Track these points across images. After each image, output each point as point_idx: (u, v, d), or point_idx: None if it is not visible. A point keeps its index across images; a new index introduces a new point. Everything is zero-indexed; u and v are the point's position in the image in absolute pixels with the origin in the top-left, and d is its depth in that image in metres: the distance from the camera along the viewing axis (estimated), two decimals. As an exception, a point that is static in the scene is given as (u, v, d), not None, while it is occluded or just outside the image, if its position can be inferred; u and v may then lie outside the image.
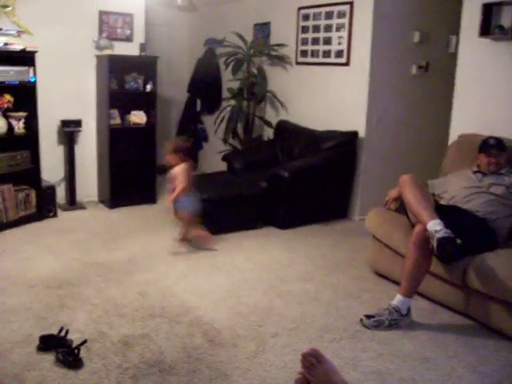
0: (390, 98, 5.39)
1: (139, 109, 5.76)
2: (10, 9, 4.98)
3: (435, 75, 5.63)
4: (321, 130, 5.52)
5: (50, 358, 2.80)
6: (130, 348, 2.93)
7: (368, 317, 3.31)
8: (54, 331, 2.99)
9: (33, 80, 4.93)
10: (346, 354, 2.96)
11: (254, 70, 6.32)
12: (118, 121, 5.65)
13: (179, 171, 4.47)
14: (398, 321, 3.28)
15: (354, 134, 5.27)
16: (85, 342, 2.87)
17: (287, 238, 4.92)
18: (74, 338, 2.96)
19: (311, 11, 5.69)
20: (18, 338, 2.98)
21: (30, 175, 5.12)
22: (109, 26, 5.74)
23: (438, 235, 3.08)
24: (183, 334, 3.12)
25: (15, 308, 3.35)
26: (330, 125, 5.50)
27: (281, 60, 6.11)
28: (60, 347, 2.83)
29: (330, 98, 5.62)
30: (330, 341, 3.09)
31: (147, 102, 5.78)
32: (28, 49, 4.86)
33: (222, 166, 6.06)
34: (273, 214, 5.16)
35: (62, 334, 2.94)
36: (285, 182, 5.00)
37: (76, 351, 2.80)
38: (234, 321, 3.30)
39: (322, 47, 5.62)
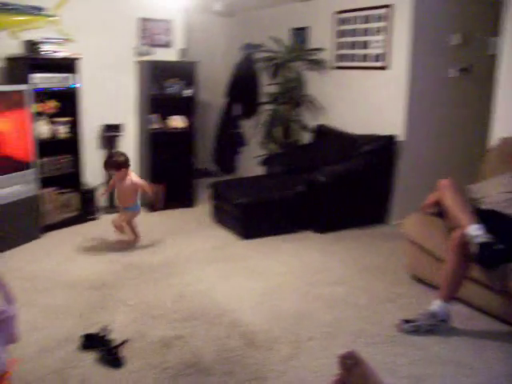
0: (428, 101, 5.34)
1: (179, 113, 5.85)
2: (55, 18, 5.13)
3: (475, 78, 5.55)
4: (358, 134, 5.50)
5: (91, 356, 2.88)
6: (168, 349, 2.99)
7: (406, 321, 3.29)
8: (95, 331, 3.07)
9: (76, 86, 5.06)
10: (382, 359, 2.95)
11: (292, 75, 6.34)
12: (158, 125, 5.74)
13: (137, 179, 4.70)
14: (436, 326, 3.25)
15: (392, 137, 5.24)
16: (125, 341, 2.95)
17: (324, 242, 4.92)
18: (115, 337, 3.03)
19: (348, 15, 5.68)
20: (61, 337, 3.07)
21: (72, 179, 5.25)
22: (149, 32, 5.85)
23: (478, 240, 3.05)
24: (220, 336, 3.16)
25: (58, 308, 3.46)
26: (368, 129, 5.48)
27: (318, 64, 6.11)
28: (101, 346, 2.91)
29: (368, 101, 5.60)
30: (366, 345, 3.09)
31: (187, 106, 5.86)
32: (72, 56, 5.00)
33: (260, 170, 6.10)
34: (310, 218, 5.17)
35: (104, 333, 3.02)
36: (322, 186, 5.01)
37: (117, 350, 2.88)
38: (270, 324, 3.32)
39: (359, 51, 5.61)
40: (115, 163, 4.56)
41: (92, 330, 3.09)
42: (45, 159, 4.96)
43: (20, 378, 2.60)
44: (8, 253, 4.41)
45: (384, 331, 3.26)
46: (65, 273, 4.05)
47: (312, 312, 3.50)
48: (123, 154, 4.62)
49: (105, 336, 3.01)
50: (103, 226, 5.22)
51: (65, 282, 3.86)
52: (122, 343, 2.93)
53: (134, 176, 4.67)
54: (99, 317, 3.34)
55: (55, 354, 2.90)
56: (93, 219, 5.41)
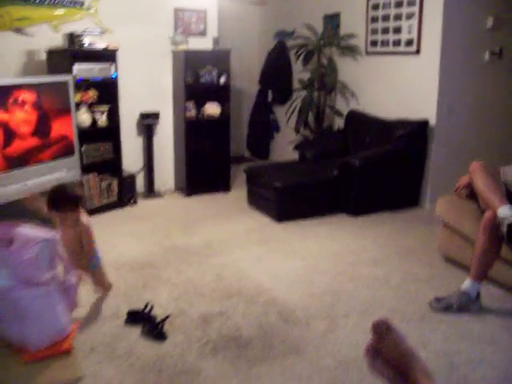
0: (461, 85, 5.36)
1: (213, 101, 5.97)
2: (93, 10, 5.30)
3: (506, 61, 5.54)
4: (391, 119, 5.55)
5: (136, 331, 3.05)
6: (208, 324, 3.14)
7: (437, 300, 3.38)
8: (140, 307, 3.24)
9: (114, 76, 5.23)
10: (415, 335, 3.05)
11: (325, 61, 6.40)
12: (193, 113, 5.88)
13: (87, 224, 3.38)
14: (467, 305, 3.32)
15: (425, 122, 5.28)
16: (168, 317, 3.10)
17: (358, 224, 5.00)
18: (158, 313, 3.19)
19: (381, 1, 5.71)
20: (108, 313, 3.24)
21: (112, 165, 5.44)
22: (183, 22, 5.98)
23: (509, 221, 3.11)
24: (258, 312, 3.30)
25: (103, 286, 3.63)
26: (401, 114, 5.52)
27: (351, 50, 6.16)
28: (145, 321, 3.08)
29: (401, 86, 5.64)
30: (400, 321, 3.18)
31: (221, 94, 5.98)
32: (110, 47, 5.16)
33: (293, 156, 6.21)
34: (344, 201, 5.26)
35: (147, 309, 3.18)
36: (356, 170, 5.09)
37: (160, 325, 3.04)
38: (307, 302, 3.45)
39: (391, 36, 5.64)
40: (75, 198, 3.22)
41: (136, 307, 3.26)
42: (86, 146, 5.15)
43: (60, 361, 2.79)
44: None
45: (417, 309, 3.36)
46: (108, 254, 4.22)
47: (347, 291, 3.61)
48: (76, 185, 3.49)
49: (149, 312, 3.17)
50: (142, 211, 5.41)
51: (109, 263, 4.02)
52: (165, 318, 3.09)
53: (83, 216, 3.39)
54: (142, 295, 3.51)
55: (103, 328, 3.08)
56: (132, 204, 5.59)
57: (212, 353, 2.86)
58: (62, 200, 3.05)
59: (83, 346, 2.87)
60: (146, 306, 3.22)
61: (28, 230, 1.64)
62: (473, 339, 3.02)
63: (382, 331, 1.82)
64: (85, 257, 3.09)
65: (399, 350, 1.79)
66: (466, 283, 3.36)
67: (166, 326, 3.07)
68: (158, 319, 3.10)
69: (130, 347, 2.89)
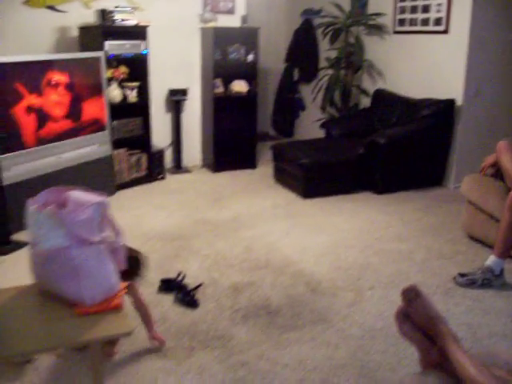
0: (489, 65, 5.35)
1: (241, 78, 6.04)
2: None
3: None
4: (418, 99, 5.57)
5: (169, 298, 3.17)
6: (239, 293, 3.26)
7: (461, 275, 3.45)
8: (172, 276, 3.36)
9: (145, 52, 5.31)
10: (440, 308, 3.09)
11: (352, 40, 6.42)
12: (221, 90, 5.96)
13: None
14: (490, 280, 3.39)
15: (451, 102, 5.29)
16: (200, 285, 3.22)
17: (383, 202, 5.07)
18: (189, 282, 3.31)
19: (410, -21, 5.71)
20: (142, 281, 3.36)
21: (141, 141, 5.55)
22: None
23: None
24: (287, 283, 3.40)
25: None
26: (428, 93, 5.54)
27: (378, 29, 6.17)
28: (178, 289, 3.20)
29: (428, 66, 5.65)
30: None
31: (249, 71, 6.04)
32: (141, 24, 5.24)
33: (319, 134, 6.26)
34: (369, 179, 5.32)
35: (180, 278, 3.30)
36: (381, 148, 5.13)
37: (192, 293, 3.16)
38: (334, 274, 3.54)
39: (420, 15, 5.64)
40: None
41: (169, 276, 3.38)
42: (117, 122, 5.27)
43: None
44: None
45: (441, 283, 3.43)
46: (140, 226, 4.37)
47: (373, 265, 3.70)
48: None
49: (181, 281, 3.29)
50: (171, 185, 5.53)
51: (141, 235, 4.17)
52: (197, 287, 3.21)
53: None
54: (174, 264, 3.63)
55: (138, 295, 3.21)
56: (160, 179, 5.71)
57: (243, 320, 2.97)
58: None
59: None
60: (178, 275, 3.34)
61: (80, 194, 1.75)
62: (496, 313, 3.09)
63: (411, 297, 1.92)
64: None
65: (427, 314, 1.89)
66: (490, 259, 3.42)
67: (198, 295, 3.20)
68: (190, 287, 3.22)
69: (163, 313, 3.02)
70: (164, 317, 3.00)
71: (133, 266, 2.45)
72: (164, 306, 3.10)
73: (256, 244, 4.01)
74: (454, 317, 3.03)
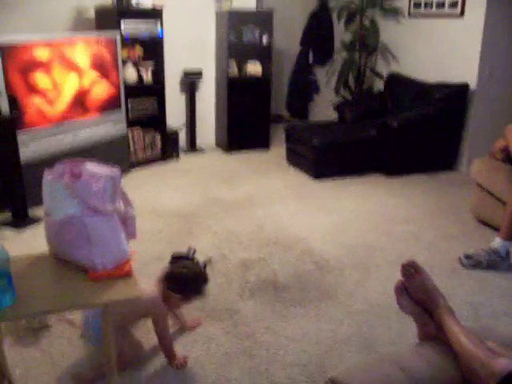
0: (504, 49, 5.33)
1: (255, 60, 6.08)
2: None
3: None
4: (431, 82, 5.58)
5: (180, 272, 3.27)
6: (247, 269, 3.34)
7: (467, 256, 3.49)
8: (183, 251, 3.44)
9: (160, 33, 5.37)
10: (442, 287, 3.09)
11: (367, 23, 6.42)
12: (235, 71, 6.01)
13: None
14: (495, 262, 3.43)
15: (465, 86, 5.29)
16: (210, 260, 3.30)
17: (393, 184, 5.11)
18: (200, 258, 3.39)
19: (426, -38, 5.69)
20: (153, 255, 3.47)
21: (156, 121, 5.63)
22: (228, -20, 6.06)
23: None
24: (295, 260, 3.48)
25: (149, 232, 3.86)
26: (441, 77, 5.54)
27: (393, 12, 6.16)
28: (189, 264, 3.28)
29: (443, 49, 5.64)
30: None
31: (263, 53, 6.08)
32: (156, 5, 5.29)
33: (333, 116, 6.30)
34: (381, 161, 5.36)
35: (191, 252, 3.39)
36: (394, 131, 5.17)
37: (203, 267, 3.24)
38: (341, 252, 3.62)
39: (436, -2, 5.64)
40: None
41: (180, 251, 3.47)
42: (132, 102, 5.35)
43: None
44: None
45: (446, 264, 3.49)
46: (153, 204, 4.46)
47: (380, 244, 3.77)
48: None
49: (191, 255, 3.38)
50: (185, 165, 5.61)
51: (153, 212, 4.27)
52: (208, 260, 3.28)
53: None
54: (186, 240, 3.73)
55: (149, 268, 3.31)
56: (174, 159, 5.80)
57: (250, 294, 3.06)
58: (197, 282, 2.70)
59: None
60: (189, 250, 3.42)
61: (94, 166, 1.84)
62: (499, 293, 3.14)
63: (411, 271, 1.99)
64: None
65: (425, 288, 1.96)
66: (496, 241, 3.46)
67: (208, 269, 3.28)
68: (201, 261, 3.30)
69: (174, 286, 3.12)
70: (174, 290, 3.10)
71: (196, 283, 2.65)
72: (175, 280, 3.19)
73: (266, 222, 4.09)
74: (457, 296, 3.09)
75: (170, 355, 2.47)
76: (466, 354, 1.59)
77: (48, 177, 1.83)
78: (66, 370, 2.42)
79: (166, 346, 2.47)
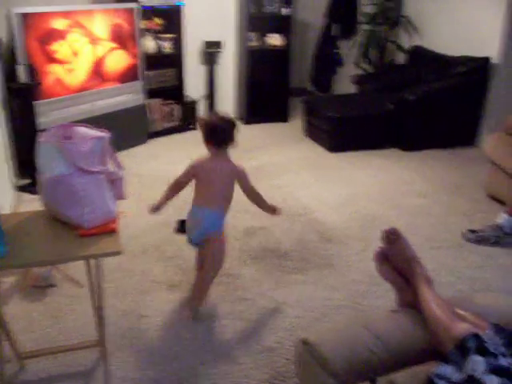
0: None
1: (277, 32, 6.06)
2: None
3: None
4: (453, 56, 5.50)
5: (184, 238, 3.34)
6: (251, 236, 3.42)
7: (472, 231, 3.48)
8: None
9: (180, 4, 5.40)
10: (445, 261, 3.20)
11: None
12: (255, 43, 6.01)
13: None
14: (500, 238, 3.42)
15: (486, 60, 5.20)
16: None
17: (410, 159, 5.08)
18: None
19: None
20: (161, 222, 3.55)
21: (175, 91, 5.68)
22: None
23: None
24: (299, 230, 3.54)
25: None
26: (463, 50, 5.45)
27: (418, -16, 6.07)
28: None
29: (465, 22, 5.54)
30: (432, 248, 3.34)
31: (283, 25, 6.05)
32: (176, -26, 5.33)
33: (355, 91, 6.27)
34: (398, 135, 5.33)
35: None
36: (411, 105, 5.13)
37: (206, 234, 3.31)
38: (347, 224, 3.65)
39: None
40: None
41: (185, 217, 3.55)
42: (151, 72, 5.41)
43: (128, 249, 3.14)
44: (119, 154, 4.95)
45: (451, 238, 3.50)
46: (168, 174, 4.48)
47: (388, 217, 3.79)
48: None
49: (198, 223, 3.45)
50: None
51: (167, 181, 4.33)
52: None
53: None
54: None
55: (155, 234, 3.41)
56: (192, 129, 5.87)
57: (252, 261, 3.14)
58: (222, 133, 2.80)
59: (136, 248, 3.25)
60: (195, 217, 3.50)
61: (85, 130, 1.91)
62: (499, 270, 3.15)
63: (392, 239, 2.02)
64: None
65: (404, 256, 1.99)
66: (502, 217, 3.45)
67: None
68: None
69: (178, 251, 3.22)
70: (177, 254, 3.19)
71: (227, 129, 2.81)
72: (178, 245, 3.27)
73: (276, 193, 4.13)
74: (458, 271, 3.11)
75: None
76: (432, 319, 1.63)
77: (41, 139, 1.91)
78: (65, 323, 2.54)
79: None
